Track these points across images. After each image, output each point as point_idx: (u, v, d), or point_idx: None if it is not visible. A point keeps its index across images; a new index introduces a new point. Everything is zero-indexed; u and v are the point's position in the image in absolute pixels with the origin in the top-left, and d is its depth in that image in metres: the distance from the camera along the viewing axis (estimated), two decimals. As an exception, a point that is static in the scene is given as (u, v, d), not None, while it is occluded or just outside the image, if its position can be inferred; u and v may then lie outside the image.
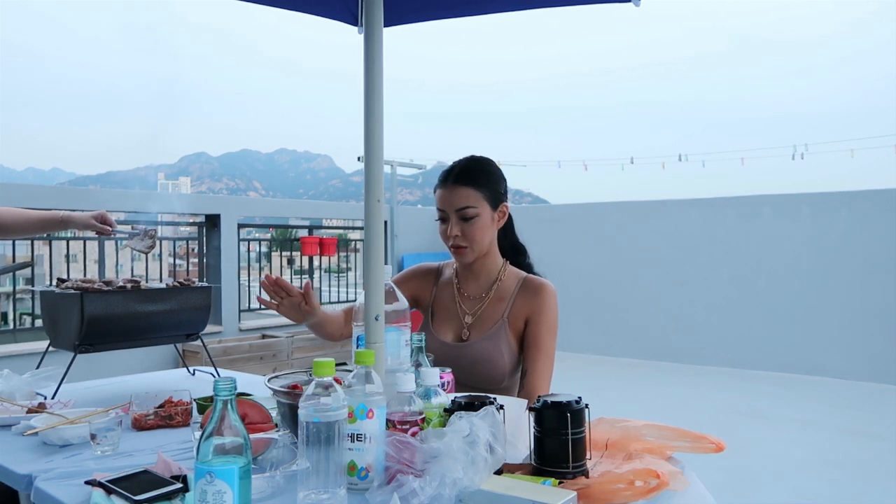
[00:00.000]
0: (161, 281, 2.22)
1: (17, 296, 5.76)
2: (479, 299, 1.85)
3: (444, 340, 1.83)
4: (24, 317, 6.65)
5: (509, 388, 1.80)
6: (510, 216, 1.93)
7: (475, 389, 1.69)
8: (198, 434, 1.04)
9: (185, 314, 2.06)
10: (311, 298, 1.69)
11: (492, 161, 1.88)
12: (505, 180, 1.88)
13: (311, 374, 1.10)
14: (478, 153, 1.90)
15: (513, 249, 1.95)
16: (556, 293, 1.83)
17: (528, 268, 1.93)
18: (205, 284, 2.12)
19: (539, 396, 1.23)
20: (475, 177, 1.79)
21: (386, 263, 1.43)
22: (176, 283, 2.10)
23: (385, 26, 1.48)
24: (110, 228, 2.08)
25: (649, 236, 7.34)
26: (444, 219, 1.81)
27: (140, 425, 1.58)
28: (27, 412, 1.63)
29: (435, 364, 1.53)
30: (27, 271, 6.21)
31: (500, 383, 1.77)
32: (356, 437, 1.11)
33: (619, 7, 1.79)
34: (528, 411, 1.27)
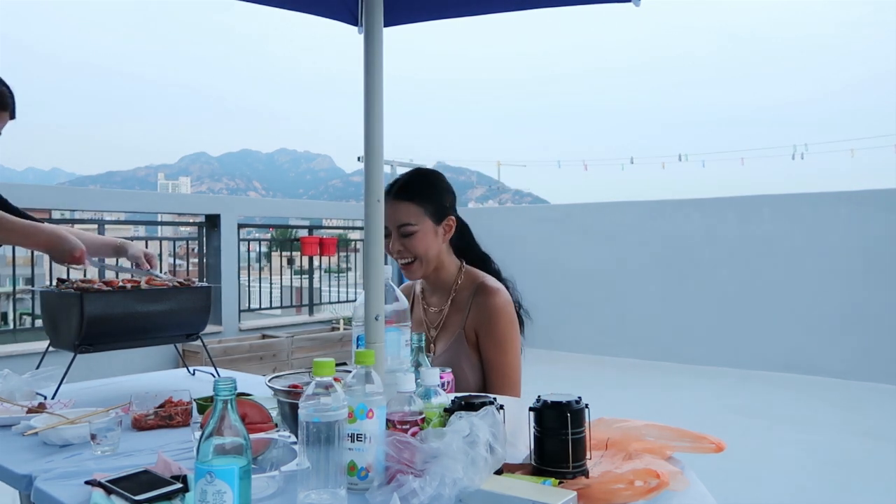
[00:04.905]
0: (161, 281, 2.22)
1: (17, 296, 5.75)
2: (440, 311, 1.83)
3: None
4: (24, 317, 6.64)
5: None
6: (467, 226, 1.90)
7: None
8: (198, 434, 1.04)
9: (185, 314, 2.06)
10: None
11: (438, 174, 1.85)
12: (452, 193, 1.84)
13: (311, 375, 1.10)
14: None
15: (478, 259, 1.91)
16: (508, 301, 1.77)
17: (495, 274, 1.89)
18: (205, 284, 2.11)
19: (539, 396, 1.23)
20: (416, 191, 1.76)
21: (386, 263, 1.43)
22: (176, 283, 2.10)
23: (385, 26, 1.49)
24: (148, 266, 2.10)
25: (649, 236, 7.34)
26: (387, 234, 1.75)
27: (140, 425, 1.58)
28: (27, 412, 1.62)
29: None
30: (27, 271, 6.20)
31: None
32: (356, 437, 1.11)
33: (620, 6, 1.79)
34: (528, 411, 1.27)
